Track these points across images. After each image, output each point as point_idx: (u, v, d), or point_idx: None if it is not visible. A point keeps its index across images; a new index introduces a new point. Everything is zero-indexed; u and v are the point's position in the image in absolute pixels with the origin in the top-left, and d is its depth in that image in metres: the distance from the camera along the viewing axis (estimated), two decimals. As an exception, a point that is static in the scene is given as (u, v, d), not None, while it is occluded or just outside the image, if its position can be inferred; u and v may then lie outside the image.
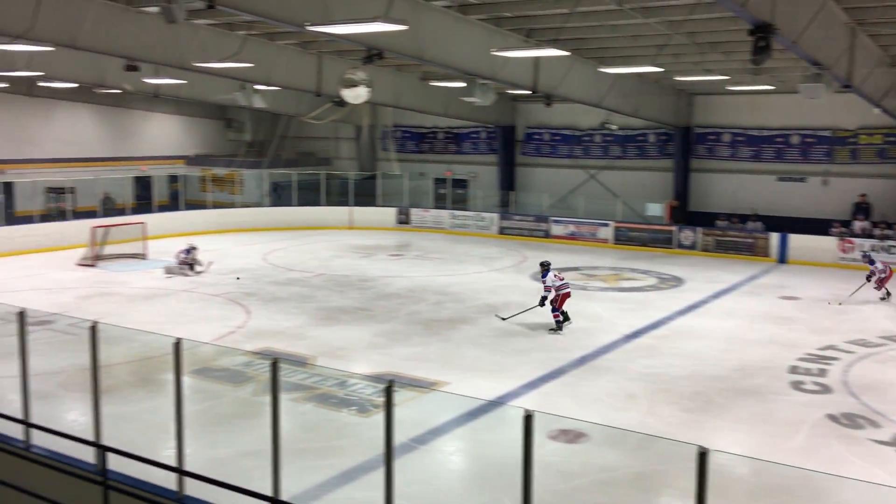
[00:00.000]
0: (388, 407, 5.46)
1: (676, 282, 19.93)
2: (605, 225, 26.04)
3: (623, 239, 25.63)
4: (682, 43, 16.77)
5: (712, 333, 14.76)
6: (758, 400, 11.17)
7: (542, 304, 14.69)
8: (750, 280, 20.26)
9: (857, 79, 15.84)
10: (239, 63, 17.54)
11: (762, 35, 10.79)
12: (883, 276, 17.38)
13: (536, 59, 18.21)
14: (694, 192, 26.99)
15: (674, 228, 25.03)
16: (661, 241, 24.98)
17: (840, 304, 17.14)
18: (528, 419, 4.95)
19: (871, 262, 17.66)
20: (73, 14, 14.90)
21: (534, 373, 12.16)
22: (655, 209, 26.65)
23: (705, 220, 25.52)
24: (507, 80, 18.17)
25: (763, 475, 8.58)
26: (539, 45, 16.00)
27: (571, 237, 26.50)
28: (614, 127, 26.34)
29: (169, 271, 19.88)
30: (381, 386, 5.63)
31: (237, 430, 9.91)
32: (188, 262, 19.86)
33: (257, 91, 22.23)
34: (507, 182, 30.14)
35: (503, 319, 15.35)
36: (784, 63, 18.10)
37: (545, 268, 14.99)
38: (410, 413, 9.95)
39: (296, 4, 12.28)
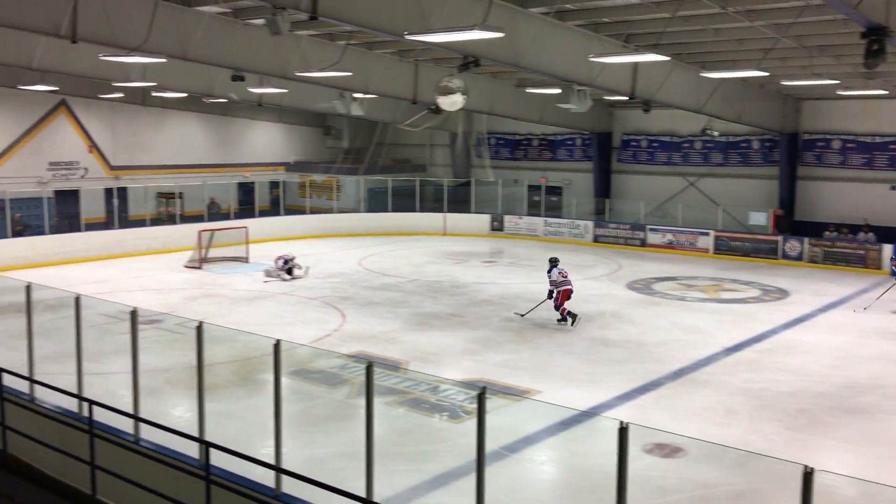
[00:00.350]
0: (481, 414, 5.46)
1: (781, 294, 19.18)
2: (705, 234, 25.32)
3: (724, 249, 24.86)
4: (789, 46, 16.16)
5: (819, 348, 14.13)
6: (867, 419, 10.63)
7: (550, 297, 15.64)
8: (860, 293, 19.28)
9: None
10: (338, 72, 17.96)
11: (875, 38, 10.31)
12: None
13: (635, 65, 17.92)
14: (800, 201, 25.90)
15: (779, 238, 24.11)
16: (764, 252, 24.11)
17: (865, 308, 16.91)
18: (623, 431, 4.87)
19: None
20: (184, 28, 15.66)
21: (628, 384, 11.93)
22: (759, 218, 25.73)
23: (813, 230, 24.46)
24: (605, 87, 17.94)
25: (872, 498, 8.14)
26: (638, 50, 15.72)
27: (669, 246, 25.89)
28: (716, 133, 25.60)
29: (268, 274, 20.53)
30: (473, 392, 5.65)
31: (332, 431, 10.12)
32: (286, 269, 20.49)
33: (355, 99, 22.71)
34: (603, 189, 29.70)
35: (522, 316, 16.04)
36: (900, 66, 17.21)
37: (552, 264, 15.87)
38: (502, 420, 9.93)
39: (395, 14, 12.50)
